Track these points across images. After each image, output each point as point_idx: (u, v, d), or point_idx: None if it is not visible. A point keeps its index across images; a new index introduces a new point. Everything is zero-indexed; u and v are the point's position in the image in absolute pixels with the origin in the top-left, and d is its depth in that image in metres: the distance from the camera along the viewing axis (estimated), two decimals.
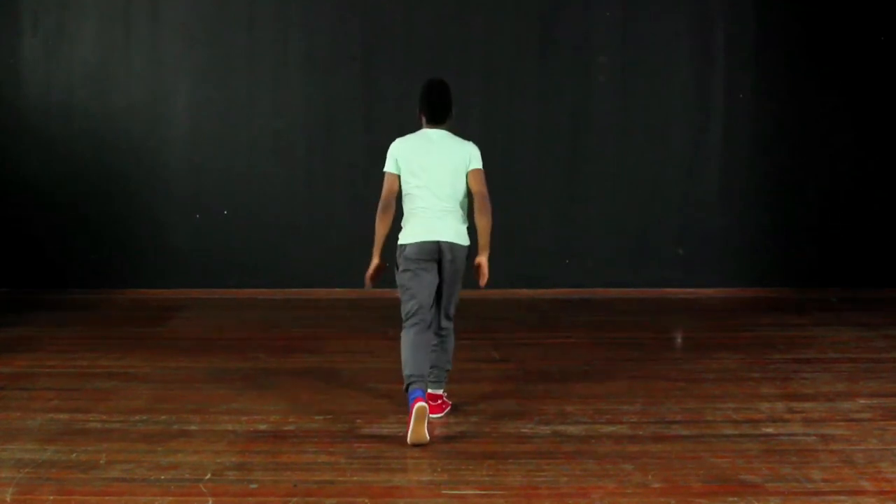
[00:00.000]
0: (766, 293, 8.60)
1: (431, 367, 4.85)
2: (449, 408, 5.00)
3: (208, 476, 4.12)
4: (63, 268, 8.68)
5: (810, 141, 8.75)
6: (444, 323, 4.93)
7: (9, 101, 8.60)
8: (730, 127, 8.73)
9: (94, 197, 8.62)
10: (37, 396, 5.35)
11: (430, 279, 4.82)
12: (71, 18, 8.57)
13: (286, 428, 4.79)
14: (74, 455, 4.37)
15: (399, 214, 4.92)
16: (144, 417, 4.95)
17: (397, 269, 4.90)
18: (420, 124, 5.00)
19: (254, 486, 4.03)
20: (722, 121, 8.73)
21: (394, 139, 4.98)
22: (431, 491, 3.98)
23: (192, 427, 4.80)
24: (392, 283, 5.14)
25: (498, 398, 5.32)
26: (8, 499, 3.87)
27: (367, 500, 3.87)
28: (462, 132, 5.07)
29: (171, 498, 3.89)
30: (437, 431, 4.75)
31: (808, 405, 5.20)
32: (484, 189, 4.90)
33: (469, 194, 4.92)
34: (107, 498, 3.89)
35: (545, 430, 4.76)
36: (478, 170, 4.93)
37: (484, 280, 4.91)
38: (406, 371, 4.67)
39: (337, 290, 8.61)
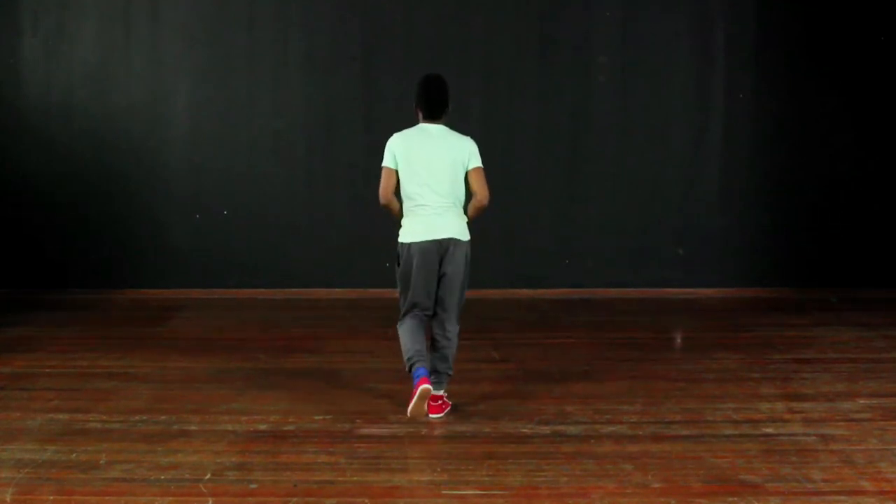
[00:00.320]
0: (766, 293, 8.60)
1: (432, 373, 4.88)
2: (449, 408, 5.01)
3: (208, 476, 4.12)
4: (63, 268, 8.68)
5: (810, 141, 8.75)
6: (449, 327, 4.93)
7: (9, 101, 8.60)
8: (730, 127, 8.73)
9: (94, 197, 8.62)
10: (37, 396, 5.35)
11: (429, 278, 4.85)
12: (71, 18, 8.57)
13: (286, 428, 4.80)
14: (74, 455, 4.37)
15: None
16: (144, 417, 4.96)
17: (397, 266, 4.92)
18: (417, 119, 5.02)
19: (254, 486, 4.03)
20: (722, 121, 8.73)
21: None
22: (431, 491, 3.98)
23: (192, 427, 4.80)
24: (392, 283, 5.16)
25: (498, 398, 5.32)
26: (8, 499, 3.87)
27: (367, 500, 3.87)
28: (462, 132, 5.07)
29: (171, 498, 3.89)
30: (437, 431, 4.76)
31: (808, 405, 5.21)
32: (486, 191, 4.95)
33: (467, 190, 4.95)
34: (107, 498, 3.89)
35: (545, 430, 4.77)
36: (479, 168, 4.95)
37: None
38: (407, 354, 4.84)
39: (337, 290, 8.61)
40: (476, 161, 4.95)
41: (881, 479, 4.12)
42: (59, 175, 8.60)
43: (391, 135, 5.00)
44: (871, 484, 4.05)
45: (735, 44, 8.66)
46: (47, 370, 5.96)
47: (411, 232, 4.87)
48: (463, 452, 4.43)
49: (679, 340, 7.18)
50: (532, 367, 6.06)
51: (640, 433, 4.71)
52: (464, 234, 4.90)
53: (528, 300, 8.42)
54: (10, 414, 5.03)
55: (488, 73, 8.64)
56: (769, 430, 4.76)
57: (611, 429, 4.78)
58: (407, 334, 4.89)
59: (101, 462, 4.29)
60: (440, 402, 4.96)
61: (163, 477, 4.11)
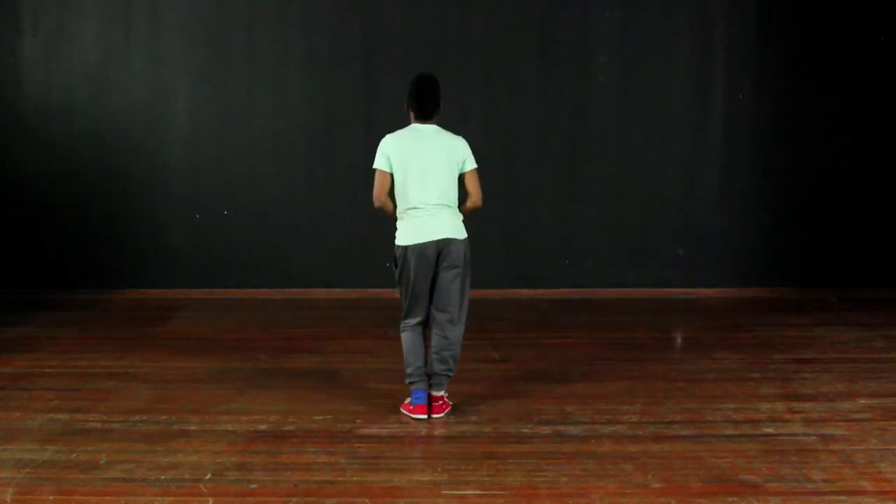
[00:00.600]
0: (766, 293, 8.60)
1: (432, 374, 4.91)
2: (449, 408, 5.01)
3: (208, 476, 4.13)
4: (63, 268, 8.68)
5: (810, 141, 8.75)
6: (450, 330, 4.92)
7: (9, 101, 8.60)
8: (730, 127, 8.73)
9: (94, 197, 8.62)
10: (37, 396, 5.35)
11: (427, 279, 4.87)
12: (71, 18, 8.57)
13: (286, 428, 4.80)
14: (74, 455, 4.38)
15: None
16: (144, 417, 4.96)
17: (395, 267, 4.92)
18: (409, 119, 5.02)
19: (254, 486, 4.03)
20: (722, 121, 8.73)
21: None
22: (431, 491, 3.98)
23: (192, 427, 4.80)
24: (392, 283, 5.17)
25: (498, 398, 5.32)
26: (8, 499, 3.87)
27: (367, 500, 3.87)
28: (462, 132, 5.07)
29: (171, 498, 3.89)
30: (437, 431, 4.76)
31: (808, 405, 5.21)
32: (480, 193, 4.98)
33: (461, 189, 4.96)
34: (107, 498, 3.90)
35: (545, 430, 4.77)
36: (474, 171, 4.97)
37: None
38: (408, 369, 4.95)
39: (337, 290, 8.61)
40: (471, 163, 4.96)
41: (881, 479, 4.12)
42: (58, 175, 8.60)
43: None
44: (872, 484, 4.06)
45: (735, 44, 8.65)
46: (47, 370, 5.96)
47: (407, 234, 4.87)
48: (463, 452, 4.43)
49: (679, 340, 7.18)
50: (532, 367, 6.06)
51: (640, 433, 4.71)
52: (460, 233, 4.90)
53: (528, 300, 8.42)
54: (10, 414, 5.03)
55: (488, 73, 8.64)
56: (769, 430, 4.76)
57: (611, 429, 4.78)
58: (408, 345, 4.95)
59: (101, 462, 4.29)
60: (440, 402, 4.97)
61: (163, 477, 4.11)
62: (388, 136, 4.96)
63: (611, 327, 7.36)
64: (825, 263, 8.77)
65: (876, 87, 8.68)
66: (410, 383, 4.95)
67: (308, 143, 8.70)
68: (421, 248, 4.82)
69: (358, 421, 4.90)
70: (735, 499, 3.88)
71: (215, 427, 4.80)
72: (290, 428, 4.80)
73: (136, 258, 8.69)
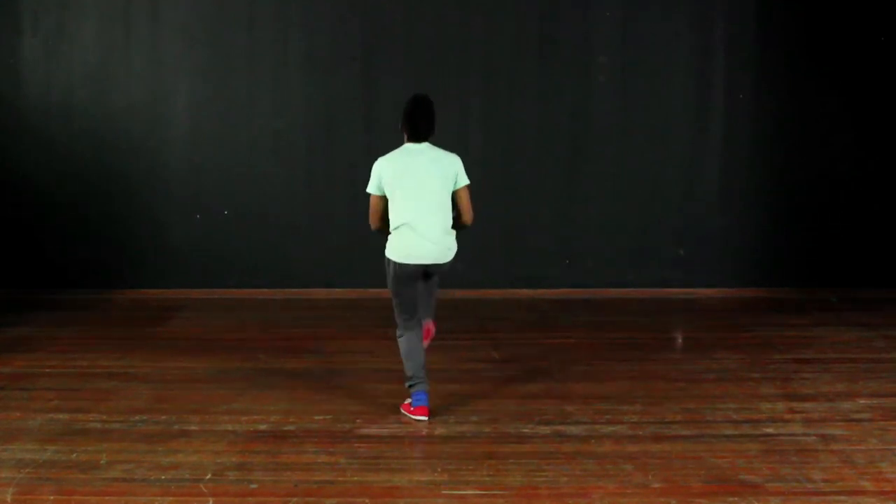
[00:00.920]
0: (766, 293, 8.60)
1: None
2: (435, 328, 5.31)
3: (208, 476, 4.13)
4: (63, 268, 8.67)
5: (810, 141, 8.75)
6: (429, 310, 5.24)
7: (9, 101, 8.59)
8: (730, 127, 8.72)
9: (94, 197, 8.62)
10: (37, 396, 5.35)
11: (414, 288, 5.01)
12: (71, 18, 8.57)
13: (286, 428, 4.80)
14: (74, 455, 4.38)
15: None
16: (144, 417, 4.96)
17: (388, 276, 4.98)
18: (402, 139, 5.03)
19: (254, 486, 4.03)
20: (722, 121, 8.72)
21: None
22: (431, 491, 3.98)
23: (192, 427, 4.80)
24: None
25: (498, 398, 5.32)
26: (8, 499, 3.87)
27: (367, 500, 3.87)
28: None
29: (171, 498, 3.89)
30: (437, 431, 4.77)
31: (808, 405, 5.21)
32: (471, 211, 5.02)
33: (453, 205, 5.00)
34: (107, 498, 3.90)
35: (545, 430, 4.77)
36: (467, 187, 5.00)
37: None
38: (409, 372, 4.99)
39: (337, 290, 8.61)
40: (464, 179, 4.98)
41: (881, 479, 4.12)
42: (58, 175, 8.59)
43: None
44: (872, 484, 4.06)
45: (735, 44, 8.65)
46: (47, 370, 5.96)
47: (396, 251, 4.91)
48: (463, 452, 4.43)
49: (679, 340, 7.18)
50: (532, 367, 6.06)
51: (640, 433, 4.72)
52: (446, 256, 4.94)
53: (528, 300, 8.42)
54: (10, 414, 5.03)
55: (488, 73, 8.64)
56: (769, 430, 4.77)
57: (611, 429, 4.78)
58: (407, 348, 5.01)
59: (102, 462, 4.29)
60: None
61: (163, 477, 4.12)
62: (380, 159, 4.96)
63: (611, 327, 7.36)
64: (825, 263, 8.77)
65: (876, 87, 8.68)
66: (410, 386, 4.98)
67: (308, 143, 8.70)
68: (408, 269, 4.90)
69: (358, 421, 4.90)
70: (735, 499, 3.88)
71: (215, 427, 4.80)
72: (291, 428, 4.80)
73: (136, 258, 8.69)
